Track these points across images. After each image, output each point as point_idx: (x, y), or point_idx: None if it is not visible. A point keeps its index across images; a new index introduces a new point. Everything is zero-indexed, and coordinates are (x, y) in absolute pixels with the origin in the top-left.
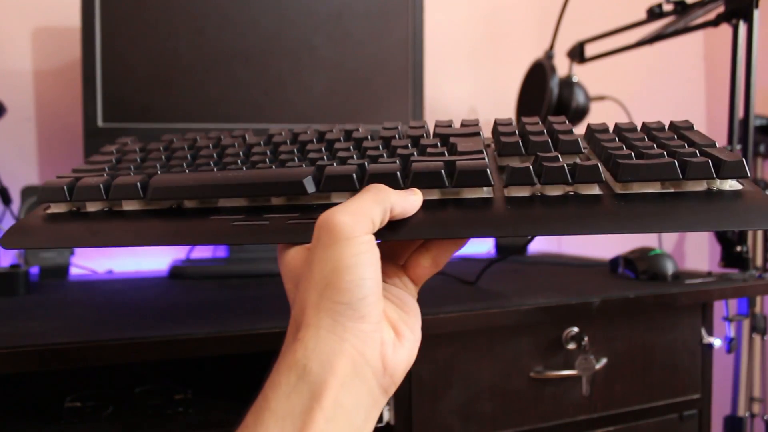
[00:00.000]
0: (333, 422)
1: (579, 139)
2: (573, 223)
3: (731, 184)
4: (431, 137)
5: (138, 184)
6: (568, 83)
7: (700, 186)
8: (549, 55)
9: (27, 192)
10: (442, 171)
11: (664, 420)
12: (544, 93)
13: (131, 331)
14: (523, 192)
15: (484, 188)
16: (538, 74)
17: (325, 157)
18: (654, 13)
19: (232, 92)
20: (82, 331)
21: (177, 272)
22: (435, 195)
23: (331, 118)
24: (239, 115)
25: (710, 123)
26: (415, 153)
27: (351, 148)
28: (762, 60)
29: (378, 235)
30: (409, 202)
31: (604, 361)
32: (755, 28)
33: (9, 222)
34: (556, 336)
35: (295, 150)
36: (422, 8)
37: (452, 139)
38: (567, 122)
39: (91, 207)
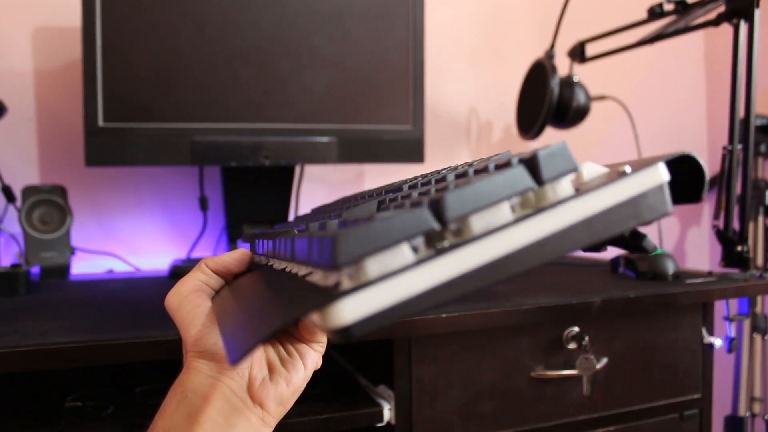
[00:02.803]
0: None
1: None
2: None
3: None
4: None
5: None
6: (568, 83)
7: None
8: (550, 54)
9: (28, 192)
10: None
11: (665, 420)
12: (544, 93)
13: (131, 331)
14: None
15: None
16: (539, 74)
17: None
18: (655, 13)
19: (233, 92)
20: (82, 331)
21: (177, 272)
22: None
23: (331, 118)
24: (239, 115)
25: (710, 123)
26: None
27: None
28: (763, 60)
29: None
30: (221, 256)
31: (604, 360)
32: (756, 27)
33: (11, 220)
34: (557, 336)
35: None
36: (422, 8)
37: None
38: None
39: None
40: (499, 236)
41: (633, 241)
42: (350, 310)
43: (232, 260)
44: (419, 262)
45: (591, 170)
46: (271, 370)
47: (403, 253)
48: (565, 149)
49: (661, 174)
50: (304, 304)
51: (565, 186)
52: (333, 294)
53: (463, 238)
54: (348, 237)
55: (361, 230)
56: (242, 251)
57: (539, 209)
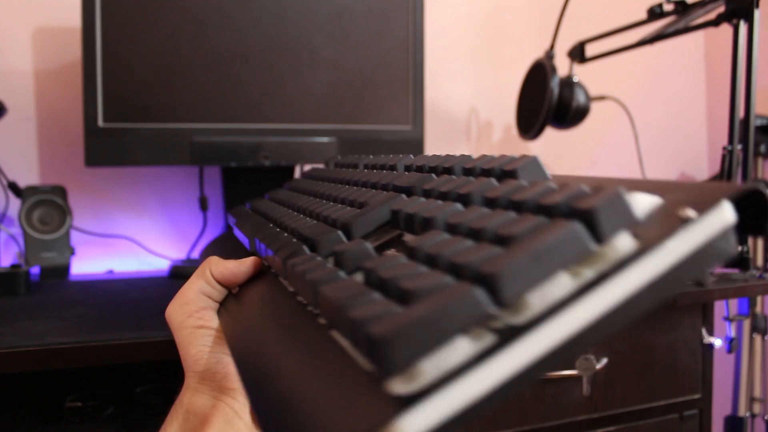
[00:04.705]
0: None
1: None
2: None
3: None
4: None
5: None
6: (568, 83)
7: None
8: (549, 55)
9: (27, 192)
10: None
11: (665, 420)
12: (544, 93)
13: (131, 331)
14: None
15: None
16: (539, 74)
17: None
18: (654, 13)
19: (233, 92)
20: (82, 331)
21: (177, 272)
22: None
23: (331, 118)
24: (239, 115)
25: (710, 123)
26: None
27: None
28: (762, 60)
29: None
30: (227, 267)
31: (604, 360)
32: (756, 28)
33: (12, 220)
34: None
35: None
36: (422, 8)
37: None
38: None
39: None
40: (561, 313)
41: None
42: (413, 426)
43: (241, 273)
44: (481, 357)
45: (641, 204)
46: None
47: (460, 347)
48: (620, 198)
49: (728, 216)
50: (356, 418)
51: (624, 240)
52: (391, 409)
53: (520, 318)
54: (400, 339)
55: (413, 328)
56: (254, 261)
57: (602, 276)
